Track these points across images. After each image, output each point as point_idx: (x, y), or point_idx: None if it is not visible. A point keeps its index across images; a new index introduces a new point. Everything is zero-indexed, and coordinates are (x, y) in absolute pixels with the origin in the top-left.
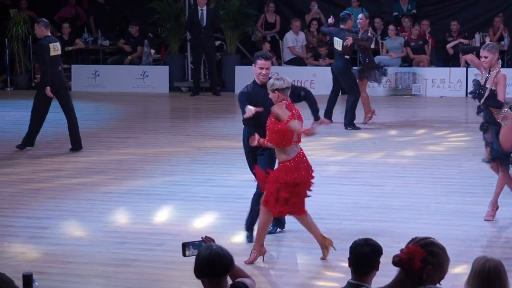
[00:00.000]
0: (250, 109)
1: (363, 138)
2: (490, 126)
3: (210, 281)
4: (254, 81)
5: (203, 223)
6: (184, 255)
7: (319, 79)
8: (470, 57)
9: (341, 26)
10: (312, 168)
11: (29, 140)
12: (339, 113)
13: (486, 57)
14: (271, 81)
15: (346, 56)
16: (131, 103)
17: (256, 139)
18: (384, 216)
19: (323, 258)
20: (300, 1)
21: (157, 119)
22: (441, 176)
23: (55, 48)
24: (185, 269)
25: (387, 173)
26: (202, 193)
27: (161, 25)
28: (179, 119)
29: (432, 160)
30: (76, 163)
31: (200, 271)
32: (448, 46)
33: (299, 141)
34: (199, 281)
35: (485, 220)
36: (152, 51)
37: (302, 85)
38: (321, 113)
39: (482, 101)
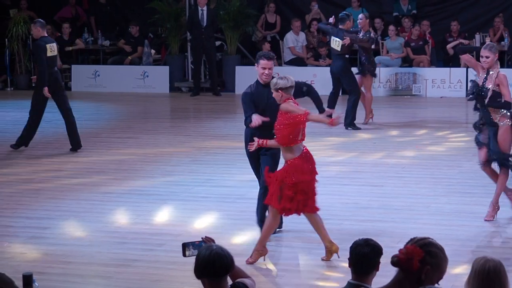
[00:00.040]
0: (257, 119)
1: (364, 139)
2: (486, 127)
3: (210, 281)
4: (257, 81)
5: (203, 223)
6: (184, 255)
7: (319, 79)
8: (467, 57)
9: (340, 26)
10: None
11: (24, 140)
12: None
13: (487, 57)
14: (274, 80)
15: (346, 56)
16: (131, 103)
17: (254, 145)
18: (384, 217)
19: (324, 260)
20: (300, 1)
21: (158, 119)
22: (441, 177)
23: (52, 49)
24: (185, 269)
25: (388, 173)
26: (203, 193)
27: (161, 25)
28: (180, 119)
29: (432, 160)
30: (76, 163)
31: (200, 271)
32: (448, 46)
33: (303, 139)
34: (199, 282)
35: (485, 220)
36: (153, 51)
37: None
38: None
39: (486, 101)
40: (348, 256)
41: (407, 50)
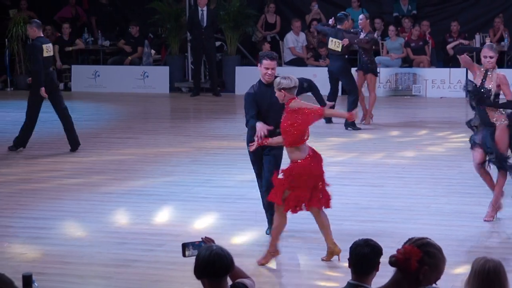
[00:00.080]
0: (261, 128)
1: (364, 139)
2: (481, 127)
3: (210, 281)
4: (260, 81)
5: (203, 224)
6: (184, 255)
7: (319, 79)
8: (465, 58)
9: (338, 26)
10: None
11: (21, 141)
12: None
13: (491, 57)
14: (277, 80)
15: (345, 56)
16: (131, 104)
17: (255, 145)
18: (385, 217)
19: (324, 260)
20: (300, 1)
21: (158, 120)
22: (441, 177)
23: (48, 49)
24: (185, 270)
25: (388, 173)
26: (203, 194)
27: (162, 26)
28: (180, 120)
29: (433, 160)
30: (76, 164)
31: (200, 271)
32: (448, 46)
33: (307, 138)
34: (199, 282)
35: (485, 220)
36: (153, 51)
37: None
38: None
39: (491, 101)
40: (348, 256)
41: (407, 50)
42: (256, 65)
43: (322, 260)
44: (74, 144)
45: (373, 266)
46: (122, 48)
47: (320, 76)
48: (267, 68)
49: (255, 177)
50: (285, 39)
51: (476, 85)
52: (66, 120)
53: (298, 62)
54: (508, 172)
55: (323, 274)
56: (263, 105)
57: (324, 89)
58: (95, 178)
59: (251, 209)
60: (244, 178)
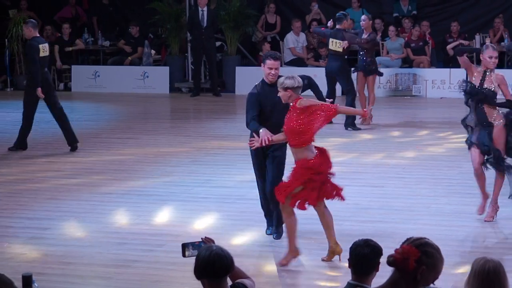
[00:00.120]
0: (264, 135)
1: (364, 139)
2: (477, 128)
3: (210, 282)
4: (263, 81)
5: (203, 224)
6: (183, 255)
7: (319, 79)
8: (464, 59)
9: (337, 26)
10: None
11: (21, 142)
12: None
13: (496, 58)
14: (281, 79)
15: (345, 57)
16: (131, 104)
17: (256, 144)
18: (385, 217)
19: (324, 260)
20: (300, 1)
21: (158, 120)
22: (442, 177)
23: (44, 49)
24: (185, 270)
25: (388, 174)
26: (203, 194)
27: (162, 26)
28: (180, 120)
29: (433, 161)
30: (76, 164)
31: (200, 272)
32: (449, 47)
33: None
34: (199, 282)
35: (485, 221)
36: (153, 51)
37: None
38: None
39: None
40: (348, 256)
41: (407, 50)
42: (256, 65)
43: (323, 260)
44: (72, 142)
45: (373, 266)
46: (122, 48)
47: (320, 76)
48: (271, 68)
49: (254, 177)
50: (285, 40)
51: (475, 85)
52: (63, 120)
53: (298, 62)
54: (505, 172)
55: (323, 274)
56: (267, 105)
57: (325, 89)
58: (95, 178)
59: (251, 210)
60: (244, 178)
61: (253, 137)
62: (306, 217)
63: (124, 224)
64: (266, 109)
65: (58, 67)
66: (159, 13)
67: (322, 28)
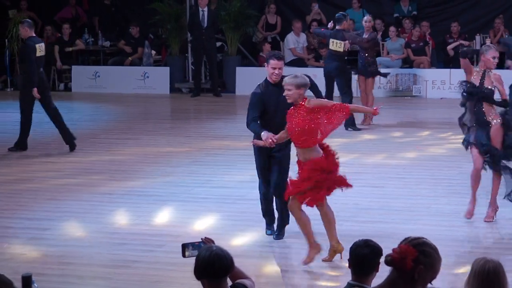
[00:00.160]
0: (267, 138)
1: (365, 139)
2: (475, 127)
3: (210, 282)
4: (266, 80)
5: (203, 225)
6: (183, 255)
7: (320, 80)
8: (466, 61)
9: (337, 27)
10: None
11: (21, 142)
12: None
13: (498, 58)
14: (288, 79)
15: (345, 57)
16: (131, 104)
17: (262, 142)
18: (385, 218)
19: (325, 260)
20: (301, 1)
21: (158, 120)
22: (442, 177)
23: (41, 49)
24: (185, 271)
25: (388, 174)
26: (203, 194)
27: (162, 26)
28: (180, 120)
29: (433, 161)
30: (76, 164)
31: (200, 272)
32: (449, 47)
33: None
34: (199, 283)
35: (485, 221)
36: (153, 52)
37: None
38: None
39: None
40: (348, 257)
41: (408, 51)
42: (257, 66)
43: (323, 260)
44: (71, 141)
45: (373, 266)
46: (123, 49)
47: (320, 76)
48: (274, 68)
49: (254, 177)
50: (286, 40)
51: (475, 85)
52: (58, 120)
53: (298, 62)
54: (501, 173)
55: (323, 274)
56: (270, 105)
57: (323, 89)
58: (95, 178)
59: (251, 210)
60: (244, 178)
61: (256, 138)
62: None
63: (124, 225)
64: (270, 109)
65: (58, 67)
66: (159, 14)
67: (322, 29)
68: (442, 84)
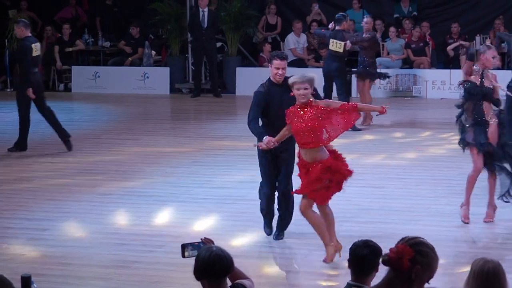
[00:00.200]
0: (269, 142)
1: (365, 140)
2: (473, 127)
3: (210, 282)
4: (269, 80)
5: (203, 225)
6: (183, 256)
7: (319, 80)
8: (471, 63)
9: (337, 27)
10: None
11: (21, 143)
12: None
13: (497, 58)
14: (295, 79)
15: (345, 58)
16: (131, 105)
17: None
18: (385, 218)
19: (325, 261)
20: (301, 2)
21: (158, 121)
22: (442, 178)
23: (36, 48)
24: (185, 271)
25: (388, 174)
26: (203, 195)
27: (162, 27)
28: (180, 121)
29: (433, 161)
30: (76, 164)
31: (200, 272)
32: (449, 48)
33: None
34: (199, 283)
35: (485, 221)
36: (153, 52)
37: None
38: None
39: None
40: (348, 257)
41: (408, 51)
42: (257, 66)
43: (324, 261)
44: (65, 138)
45: (373, 267)
46: (123, 49)
47: (320, 77)
48: (278, 68)
49: (254, 178)
50: (286, 40)
51: (476, 84)
52: (53, 120)
53: (298, 63)
54: (496, 173)
55: (323, 274)
56: (274, 105)
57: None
58: (95, 179)
59: (251, 210)
60: (244, 179)
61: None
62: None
63: (124, 225)
64: (273, 108)
65: (58, 67)
66: (159, 14)
67: (323, 30)
68: (442, 84)
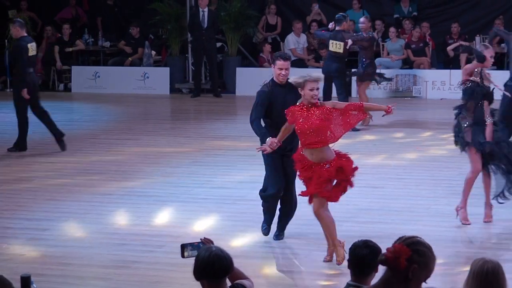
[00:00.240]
0: (271, 144)
1: (364, 140)
2: (471, 127)
3: (209, 282)
4: (273, 80)
5: (203, 225)
6: (182, 256)
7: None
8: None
9: (337, 28)
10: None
11: (21, 143)
12: None
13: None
14: (297, 79)
15: (345, 59)
16: (131, 105)
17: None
18: (385, 218)
19: (326, 261)
20: (301, 2)
21: (158, 121)
22: (441, 178)
23: (32, 48)
24: (185, 271)
25: (388, 175)
26: (203, 195)
27: (162, 27)
28: (180, 121)
29: (433, 162)
30: (76, 164)
31: (199, 272)
32: (449, 48)
33: None
34: (199, 283)
35: (484, 222)
36: (153, 52)
37: None
38: None
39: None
40: (348, 257)
41: (408, 52)
42: (257, 67)
43: (324, 261)
44: (59, 137)
45: (372, 267)
46: (123, 49)
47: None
48: (281, 69)
49: (254, 178)
50: (286, 41)
51: (477, 83)
52: (47, 120)
53: (298, 63)
54: (490, 172)
55: (323, 274)
56: (277, 105)
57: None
58: (95, 179)
59: (251, 210)
60: (244, 179)
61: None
62: (306, 218)
63: (124, 225)
64: (276, 108)
65: (58, 67)
66: (159, 14)
67: (323, 30)
68: (442, 84)
